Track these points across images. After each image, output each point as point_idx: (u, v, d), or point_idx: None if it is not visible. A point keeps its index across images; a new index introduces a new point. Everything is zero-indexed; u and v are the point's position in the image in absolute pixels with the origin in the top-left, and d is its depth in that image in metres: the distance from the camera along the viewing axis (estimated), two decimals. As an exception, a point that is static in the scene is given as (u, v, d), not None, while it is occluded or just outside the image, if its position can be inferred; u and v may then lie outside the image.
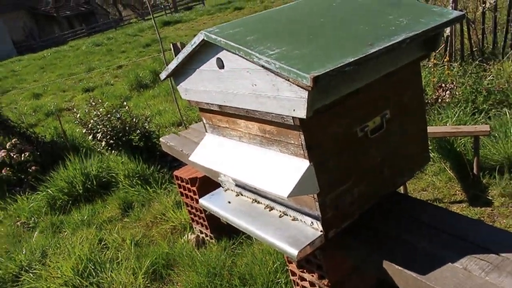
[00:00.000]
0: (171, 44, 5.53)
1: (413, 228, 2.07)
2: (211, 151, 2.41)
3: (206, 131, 2.53)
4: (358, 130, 2.00)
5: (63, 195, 5.13)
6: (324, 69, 1.58)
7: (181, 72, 2.35)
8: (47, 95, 12.25)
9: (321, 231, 1.99)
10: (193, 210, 3.67)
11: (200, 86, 2.26)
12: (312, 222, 2.01)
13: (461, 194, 3.72)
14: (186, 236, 3.75)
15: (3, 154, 5.70)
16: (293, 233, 2.02)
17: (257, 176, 2.02)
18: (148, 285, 3.30)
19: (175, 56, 5.45)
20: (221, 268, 3.08)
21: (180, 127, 6.62)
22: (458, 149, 4.04)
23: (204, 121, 2.49)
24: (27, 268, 3.88)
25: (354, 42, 1.81)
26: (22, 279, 3.74)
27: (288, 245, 1.96)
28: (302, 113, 1.69)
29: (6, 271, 3.90)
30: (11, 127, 6.51)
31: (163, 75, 2.44)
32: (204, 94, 2.27)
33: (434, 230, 2.03)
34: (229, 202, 2.43)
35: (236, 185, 2.48)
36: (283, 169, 1.92)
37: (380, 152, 2.12)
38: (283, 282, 2.83)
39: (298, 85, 1.63)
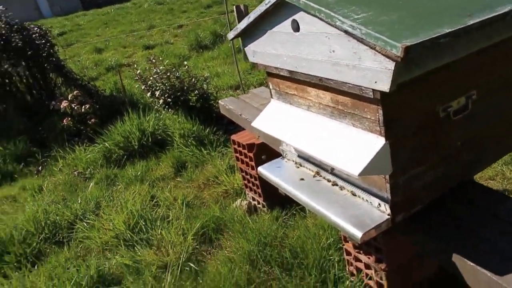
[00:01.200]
0: (234, 6, 5.38)
1: (489, 222, 1.89)
2: (276, 118, 2.30)
3: (272, 97, 2.41)
4: (440, 109, 1.83)
5: (119, 149, 5.19)
6: (417, 39, 1.41)
7: (251, 32, 2.23)
8: (108, 50, 12.44)
9: (388, 215, 1.85)
10: (247, 176, 3.60)
11: (270, 48, 2.13)
12: (379, 204, 1.88)
13: (534, 187, 3.46)
14: (237, 201, 3.70)
15: (65, 105, 5.82)
16: (358, 213, 1.90)
17: (325, 150, 1.89)
18: (197, 247, 3.28)
19: (238, 18, 5.31)
20: (273, 239, 3.00)
21: (238, 91, 6.53)
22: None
23: (271, 86, 2.37)
24: (81, 217, 3.96)
25: (450, 11, 1.62)
26: (76, 227, 3.82)
27: (351, 225, 1.84)
28: (384, 86, 1.54)
29: (63, 218, 4.00)
30: (74, 79, 6.63)
31: (230, 35, 2.32)
32: (274, 57, 2.14)
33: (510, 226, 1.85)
34: (290, 174, 2.33)
35: (299, 156, 2.37)
36: (355, 145, 1.78)
37: (461, 136, 1.94)
38: (335, 260, 2.73)
39: (384, 55, 1.47)
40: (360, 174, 1.66)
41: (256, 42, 2.22)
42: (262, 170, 2.45)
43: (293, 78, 2.09)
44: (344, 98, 1.83)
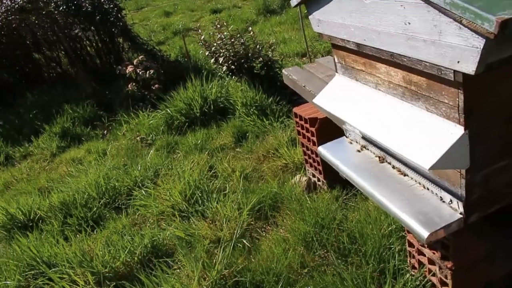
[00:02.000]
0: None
1: None
2: (340, 95, 2.09)
3: (337, 72, 2.19)
4: (532, 96, 1.55)
5: (181, 116, 5.15)
6: (516, 11, 1.15)
7: (316, -1, 2.01)
8: (176, 14, 12.43)
9: (461, 214, 1.63)
10: (308, 152, 3.42)
11: (337, 18, 1.91)
12: (451, 201, 1.65)
13: None
14: (297, 177, 3.54)
15: (130, 70, 5.84)
16: (426, 210, 1.69)
17: (393, 136, 1.68)
18: (252, 222, 3.17)
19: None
20: (330, 221, 2.83)
21: (304, 58, 6.28)
22: None
23: (336, 59, 2.15)
24: (140, 184, 3.96)
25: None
26: (134, 194, 3.83)
27: (417, 223, 1.64)
28: (470, 67, 1.29)
29: (123, 184, 4.02)
30: (140, 43, 6.63)
31: (294, 1, 2.11)
32: (340, 28, 1.92)
33: None
34: (352, 156, 2.13)
35: (363, 138, 2.16)
36: (427, 133, 1.56)
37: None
38: (396, 249, 2.52)
39: (472, 30, 1.23)
40: (432, 168, 1.44)
41: (322, 10, 2.01)
42: (322, 150, 2.27)
43: (361, 52, 1.87)
44: (419, 78, 1.59)
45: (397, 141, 1.65)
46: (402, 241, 2.53)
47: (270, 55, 5.39)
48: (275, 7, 9.89)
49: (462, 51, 1.30)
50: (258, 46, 5.31)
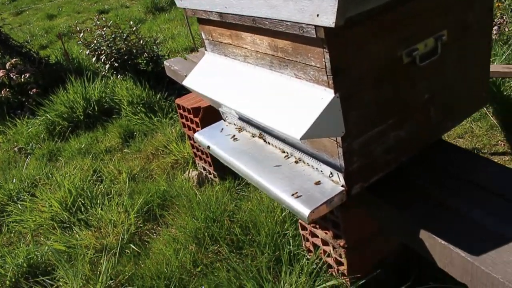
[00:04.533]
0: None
1: (463, 190, 1.56)
2: (210, 74, 1.89)
3: (206, 50, 1.99)
4: (404, 54, 1.45)
5: (63, 120, 4.70)
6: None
7: (175, -30, 1.79)
8: (61, 16, 11.61)
9: (342, 186, 1.50)
10: (196, 144, 3.20)
11: (196, -13, 1.71)
12: (331, 173, 1.52)
13: (504, 145, 3.16)
14: (187, 172, 3.31)
15: (1, 74, 5.24)
16: (306, 186, 1.53)
17: (264, 110, 1.51)
18: (141, 225, 2.90)
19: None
20: (222, 213, 2.64)
21: (193, 53, 6.05)
22: (505, 93, 3.43)
23: (203, 36, 1.95)
24: (15, 198, 3.51)
25: None
26: (9, 210, 3.38)
27: (298, 201, 1.47)
28: (329, 19, 1.14)
29: (-5, 200, 3.55)
30: (14, 46, 6.00)
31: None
32: (201, -2, 1.72)
33: (491, 195, 1.51)
34: (229, 139, 1.94)
35: (240, 119, 1.98)
36: (298, 102, 1.40)
37: (429, 87, 1.58)
38: (290, 234, 2.39)
39: (326, -26, 1.07)
40: (303, 137, 1.28)
41: (182, -18, 1.79)
42: (199, 136, 2.06)
43: (225, 22, 1.68)
44: (284, 42, 1.43)
45: (268, 115, 1.48)
46: (296, 226, 2.40)
47: (155, 50, 5.12)
48: (164, 4, 9.56)
49: (320, 2, 1.14)
50: (142, 42, 5.01)
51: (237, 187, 2.99)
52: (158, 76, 4.94)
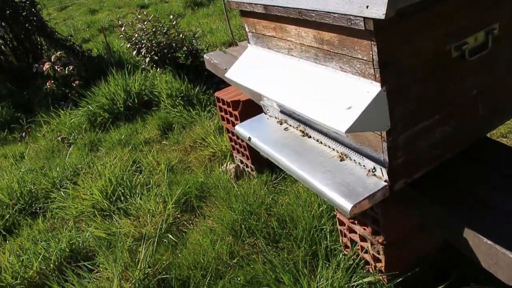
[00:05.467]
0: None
1: (510, 191, 1.51)
2: (253, 67, 1.90)
3: (249, 42, 1.99)
4: (452, 48, 1.42)
5: (104, 112, 4.81)
6: None
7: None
8: (103, 11, 11.86)
9: (385, 181, 1.47)
10: (234, 137, 3.22)
11: (242, -20, 1.71)
12: (374, 168, 1.49)
13: (551, 144, 3.05)
14: (225, 165, 3.33)
15: (47, 67, 5.39)
16: (348, 180, 1.52)
17: (308, 103, 1.50)
18: (178, 216, 2.93)
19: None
20: (259, 206, 2.65)
21: (232, 47, 6.07)
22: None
23: (247, 28, 1.95)
24: (58, 186, 3.61)
25: None
26: (52, 197, 3.48)
27: (340, 195, 1.47)
28: (379, 10, 1.12)
29: (39, 187, 3.66)
30: (59, 39, 6.17)
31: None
32: (246, -9, 1.72)
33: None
34: (271, 132, 1.95)
35: (281, 112, 1.97)
36: (343, 95, 1.38)
37: (478, 82, 1.53)
38: (328, 229, 2.37)
39: (379, -35, 1.05)
40: (348, 131, 1.27)
41: (227, -26, 1.80)
42: (240, 128, 2.08)
43: (270, 14, 1.67)
44: (330, 34, 1.42)
45: (312, 108, 1.47)
46: (333, 221, 2.37)
47: (194, 44, 5.15)
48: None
49: (370, -7, 1.12)
50: (181, 36, 5.05)
51: (274, 181, 2.98)
52: (196, 70, 4.98)
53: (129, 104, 4.81)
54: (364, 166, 1.55)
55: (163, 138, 4.17)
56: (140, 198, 3.08)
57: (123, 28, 5.19)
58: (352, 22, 1.24)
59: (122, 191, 3.21)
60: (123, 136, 4.31)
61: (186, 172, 3.44)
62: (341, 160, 1.65)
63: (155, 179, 3.37)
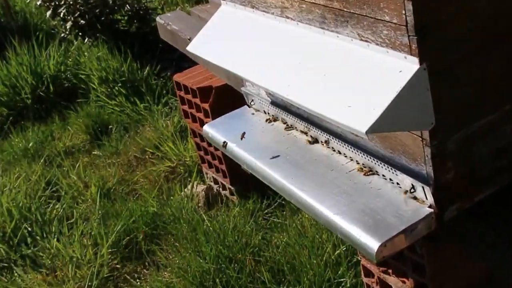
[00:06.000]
0: None
1: None
2: (228, 37, 1.98)
3: (222, -2, 2.06)
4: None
5: (1, 106, 4.87)
6: None
7: None
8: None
9: (430, 207, 1.54)
10: (204, 144, 3.29)
11: None
12: (413, 187, 1.57)
13: None
14: (190, 186, 3.40)
15: None
16: (374, 206, 1.61)
17: (312, 90, 1.58)
18: (117, 266, 3.01)
19: None
20: (242, 249, 2.72)
21: (200, 5, 6.17)
22: None
23: (219, -23, 2.02)
24: None
25: None
26: None
27: (361, 229, 1.54)
28: None
29: None
30: None
31: None
32: None
33: None
34: (257, 134, 2.02)
35: (273, 104, 2.04)
36: (362, 76, 1.46)
37: None
38: (349, 283, 2.44)
39: None
40: (370, 131, 1.33)
41: None
42: (210, 129, 2.17)
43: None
44: (342, -14, 1.48)
45: (318, 98, 1.54)
46: (356, 270, 2.47)
47: (143, 1, 5.26)
48: None
49: None
50: (121, -13, 5.15)
51: (266, 210, 3.08)
52: (146, 40, 5.09)
53: (41, 93, 4.90)
54: (397, 183, 1.61)
55: (94, 146, 4.25)
56: (58, 240, 3.13)
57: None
58: (374, -35, 1.31)
59: (29, 229, 3.27)
60: (31, 144, 4.38)
61: (130, 198, 3.51)
62: (364, 175, 1.71)
63: (82, 209, 3.44)
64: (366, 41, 1.48)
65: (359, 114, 1.38)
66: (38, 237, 3.22)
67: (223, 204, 3.23)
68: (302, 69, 1.65)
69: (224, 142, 2.07)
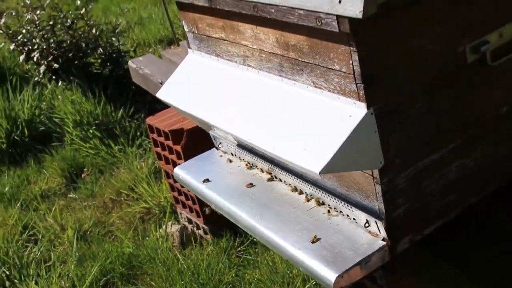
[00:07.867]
0: None
1: None
2: (195, 83, 2.09)
3: (189, 47, 2.19)
4: (468, 49, 1.63)
5: (-25, 151, 4.93)
6: None
7: None
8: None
9: (383, 240, 1.65)
10: (177, 185, 3.37)
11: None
12: (367, 222, 1.68)
13: None
14: (164, 227, 3.48)
15: None
16: (332, 241, 1.72)
17: (271, 134, 1.69)
18: (95, 308, 3.06)
19: None
20: (215, 286, 2.80)
21: (172, 48, 6.28)
22: None
23: (186, 27, 2.16)
24: None
25: None
26: None
27: (320, 262, 1.65)
28: (354, 6, 1.32)
29: None
30: None
31: None
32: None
33: None
34: (224, 175, 2.13)
35: (239, 146, 2.16)
36: (316, 121, 1.58)
37: (507, 96, 1.74)
38: (322, 316, 2.54)
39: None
40: (324, 171, 1.45)
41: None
42: (180, 171, 2.27)
43: (216, 8, 1.87)
44: (297, 37, 1.61)
45: (277, 141, 1.65)
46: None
47: (116, 44, 5.33)
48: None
49: (341, -17, 1.32)
50: (95, 31, 5.23)
51: (239, 248, 3.15)
52: (119, 83, 5.17)
53: (16, 138, 4.95)
54: (354, 219, 1.72)
55: (70, 189, 4.31)
56: (36, 283, 3.19)
57: (2, 20, 5.35)
58: (322, 21, 1.44)
59: (7, 272, 3.32)
60: (7, 188, 4.43)
61: (106, 239, 3.57)
62: (324, 213, 1.83)
63: (59, 252, 3.49)
64: (319, 88, 1.60)
65: (314, 156, 1.50)
66: (16, 281, 3.27)
67: (197, 243, 3.31)
68: (263, 115, 1.75)
69: (193, 186, 2.18)
